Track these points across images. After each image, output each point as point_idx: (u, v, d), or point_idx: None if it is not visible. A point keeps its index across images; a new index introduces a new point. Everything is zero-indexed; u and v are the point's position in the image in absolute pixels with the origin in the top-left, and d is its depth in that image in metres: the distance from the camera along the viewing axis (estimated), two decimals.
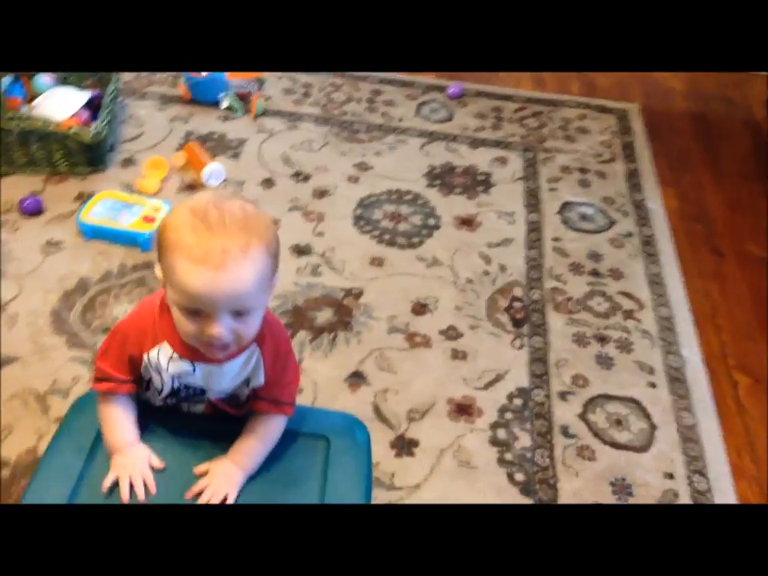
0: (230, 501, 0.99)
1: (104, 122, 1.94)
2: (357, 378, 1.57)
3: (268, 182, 2.04)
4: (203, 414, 1.10)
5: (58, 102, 2.00)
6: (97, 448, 1.03)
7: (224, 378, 1.04)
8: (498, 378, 1.61)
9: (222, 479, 1.00)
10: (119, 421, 1.02)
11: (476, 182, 2.12)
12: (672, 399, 1.60)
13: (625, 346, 1.71)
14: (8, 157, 1.92)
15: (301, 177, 2.07)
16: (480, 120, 2.37)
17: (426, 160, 2.18)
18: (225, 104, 2.25)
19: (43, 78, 2.08)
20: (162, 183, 1.98)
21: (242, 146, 2.15)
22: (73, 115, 1.98)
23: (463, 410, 1.54)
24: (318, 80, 2.45)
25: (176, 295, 0.92)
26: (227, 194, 0.95)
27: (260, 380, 1.04)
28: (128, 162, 2.05)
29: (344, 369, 1.59)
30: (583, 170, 2.21)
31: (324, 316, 1.70)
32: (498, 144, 2.28)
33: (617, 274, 1.89)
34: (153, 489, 0.99)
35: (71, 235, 1.82)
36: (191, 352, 1.00)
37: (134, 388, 1.03)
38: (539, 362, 1.66)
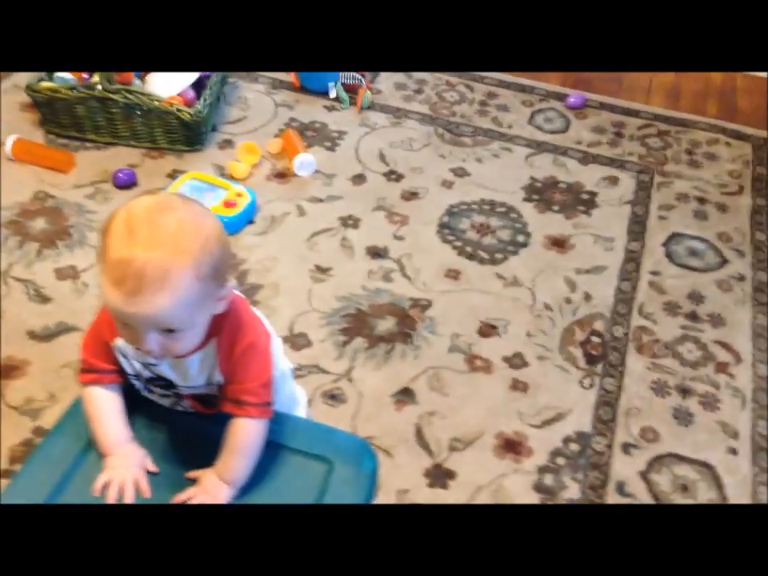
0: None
1: (206, 102, 1.95)
2: (405, 396, 1.50)
3: (359, 178, 1.99)
4: (192, 410, 1.06)
5: (168, 79, 2.03)
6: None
7: (189, 372, 0.99)
8: (557, 418, 1.49)
9: (209, 491, 0.95)
10: (109, 417, 0.99)
11: (578, 201, 1.98)
12: (753, 471, 1.42)
13: (710, 403, 1.54)
14: (113, 127, 1.97)
15: (393, 176, 2.00)
16: (597, 134, 2.21)
17: (529, 171, 2.06)
18: (333, 94, 2.22)
19: None
20: (253, 169, 1.97)
21: (341, 139, 2.10)
22: (179, 93, 2.00)
23: (512, 446, 1.43)
24: (432, 77, 2.37)
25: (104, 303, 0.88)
26: (176, 199, 0.89)
27: (218, 375, 0.98)
28: (226, 144, 2.06)
29: (394, 384, 1.52)
30: (702, 200, 2.02)
31: (385, 325, 1.63)
32: (611, 162, 2.12)
33: (717, 321, 1.70)
34: (147, 493, 0.96)
35: None
36: None
37: (118, 378, 1.00)
38: (607, 406, 1.52)
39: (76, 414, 1.02)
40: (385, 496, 1.31)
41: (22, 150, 1.92)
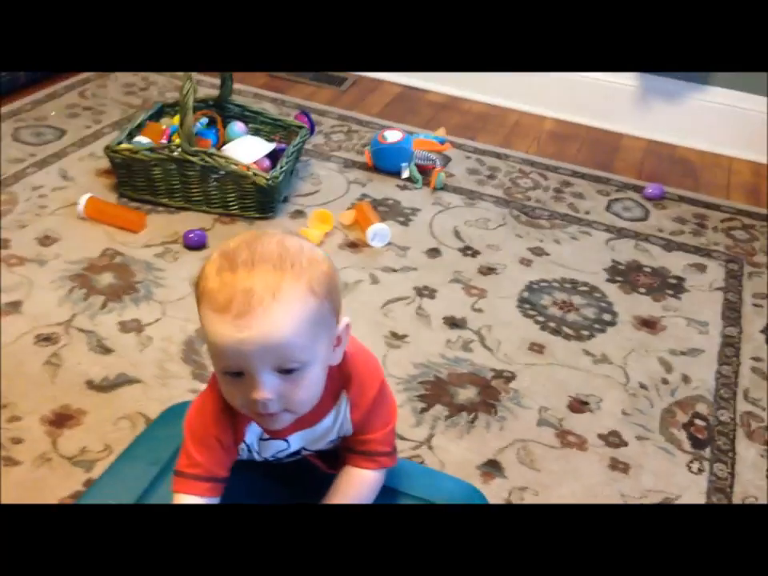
0: None
1: (282, 169, 1.93)
2: (492, 468, 1.35)
3: (434, 252, 1.92)
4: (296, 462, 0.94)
5: (245, 148, 2.03)
6: (172, 462, 0.89)
7: (319, 439, 0.88)
8: (665, 502, 1.32)
9: None
10: None
11: (665, 285, 1.87)
12: None
13: None
14: (187, 191, 1.95)
15: (470, 252, 1.93)
16: (679, 224, 2.13)
17: (610, 254, 1.97)
18: (405, 174, 2.19)
19: (236, 126, 2.13)
20: (326, 237, 1.91)
21: (415, 215, 2.05)
22: (255, 162, 1.99)
23: None
24: (505, 164, 2.34)
25: (211, 356, 0.78)
26: (274, 231, 0.82)
27: (348, 428, 0.87)
28: (297, 214, 2.01)
29: (479, 455, 1.37)
30: None
31: (467, 394, 1.50)
32: (697, 250, 2.02)
33: None
34: None
35: None
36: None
37: (221, 490, 0.86)
38: (720, 493, 1.35)
39: (152, 436, 0.91)
40: None
41: (95, 208, 1.90)
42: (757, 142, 2.45)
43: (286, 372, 0.75)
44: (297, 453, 0.89)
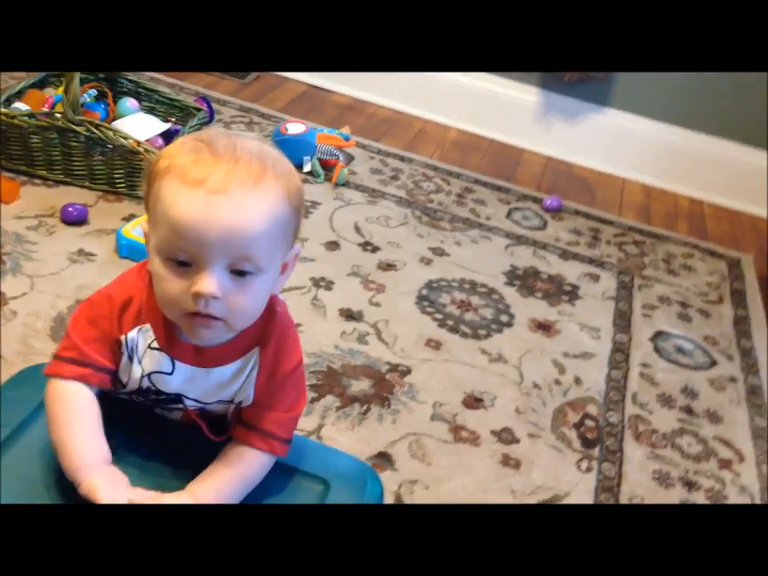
0: None
1: None
2: (383, 460, 1.28)
3: (333, 245, 1.85)
4: (179, 422, 0.85)
5: (137, 126, 1.91)
6: (24, 427, 0.78)
7: (208, 386, 0.79)
8: (554, 499, 1.29)
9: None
10: (92, 427, 0.75)
11: (561, 291, 1.88)
12: None
13: (718, 499, 1.37)
14: (68, 164, 1.81)
15: (369, 247, 1.88)
16: (575, 236, 2.15)
17: (509, 260, 1.96)
18: (307, 167, 2.12)
19: (128, 102, 2.00)
20: None
21: (315, 208, 1.99)
22: (147, 140, 1.87)
23: None
24: (409, 167, 2.31)
25: (159, 238, 0.70)
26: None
27: (248, 394, 0.79)
28: None
29: (370, 446, 1.31)
30: (684, 305, 1.94)
31: (360, 386, 1.43)
32: (591, 261, 2.05)
33: (714, 418, 1.57)
34: None
35: (106, 251, 1.65)
36: (175, 346, 0.77)
37: (108, 381, 0.78)
38: (608, 492, 1.33)
39: (2, 398, 0.80)
40: None
41: None
42: (648, 165, 2.54)
43: (237, 274, 0.70)
44: (178, 400, 0.79)
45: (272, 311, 0.79)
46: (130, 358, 0.77)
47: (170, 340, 0.77)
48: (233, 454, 0.79)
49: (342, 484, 0.79)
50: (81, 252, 1.62)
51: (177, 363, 0.78)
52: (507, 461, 1.35)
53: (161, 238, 0.70)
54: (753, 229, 2.45)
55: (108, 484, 0.71)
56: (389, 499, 1.21)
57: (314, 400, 1.38)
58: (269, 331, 0.79)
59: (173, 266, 0.70)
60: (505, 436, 1.40)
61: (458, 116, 2.63)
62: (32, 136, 1.77)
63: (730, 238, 2.36)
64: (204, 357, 0.78)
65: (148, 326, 0.77)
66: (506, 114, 2.59)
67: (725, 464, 1.46)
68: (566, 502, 1.29)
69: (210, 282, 0.68)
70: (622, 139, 2.54)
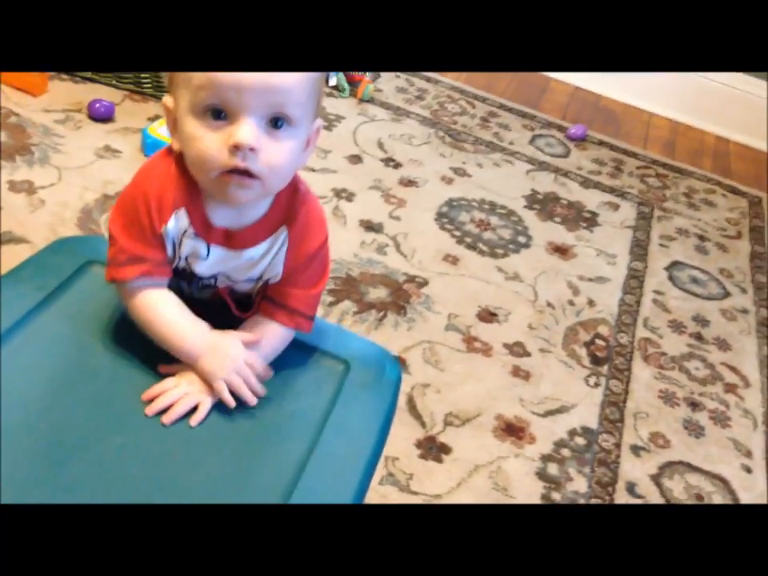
0: (201, 413, 0.74)
1: None
2: None
3: (355, 158, 1.86)
4: (208, 301, 0.87)
5: None
6: (60, 291, 0.81)
7: (239, 266, 0.81)
8: (561, 410, 1.33)
9: (196, 380, 0.76)
10: (182, 314, 0.77)
11: (580, 217, 1.89)
12: None
13: (721, 420, 1.41)
14: None
15: (392, 163, 1.88)
16: (597, 165, 2.14)
17: (530, 184, 1.96)
18: (333, 81, 2.11)
19: None
20: None
21: (339, 122, 1.98)
22: None
23: (513, 431, 1.26)
24: (434, 88, 2.29)
25: (192, 94, 0.69)
26: None
27: (277, 271, 0.81)
28: None
29: None
30: (702, 238, 1.95)
31: (378, 293, 1.46)
32: (612, 190, 2.05)
33: (723, 345, 1.60)
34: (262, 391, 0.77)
35: (132, 149, 1.66)
36: (209, 231, 0.78)
37: (169, 270, 0.79)
38: (614, 406, 1.37)
39: (40, 262, 0.82)
40: None
41: None
42: (677, 101, 2.50)
43: (273, 125, 0.69)
44: (212, 284, 0.82)
45: (295, 188, 0.80)
46: (171, 246, 0.79)
47: (205, 225, 0.78)
48: (259, 324, 0.81)
49: (361, 365, 0.82)
50: (107, 148, 1.63)
51: (211, 247, 0.80)
52: (517, 372, 1.38)
53: (194, 92, 0.69)
54: None
55: (220, 359, 0.75)
56: (401, 399, 1.25)
57: (331, 304, 1.40)
58: (295, 209, 0.79)
59: (208, 121, 0.69)
60: (516, 349, 1.43)
61: None
62: None
63: (753, 177, 2.35)
64: (235, 239, 0.79)
65: (183, 211, 0.78)
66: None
67: (730, 388, 1.49)
68: (572, 413, 1.32)
69: (247, 132, 0.68)
70: (651, 73, 2.49)
